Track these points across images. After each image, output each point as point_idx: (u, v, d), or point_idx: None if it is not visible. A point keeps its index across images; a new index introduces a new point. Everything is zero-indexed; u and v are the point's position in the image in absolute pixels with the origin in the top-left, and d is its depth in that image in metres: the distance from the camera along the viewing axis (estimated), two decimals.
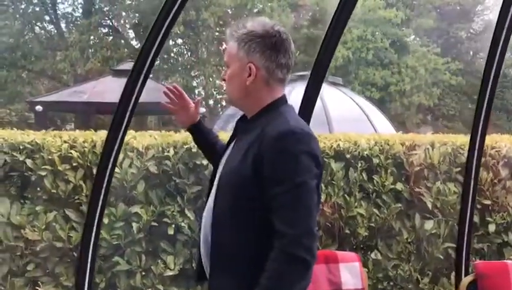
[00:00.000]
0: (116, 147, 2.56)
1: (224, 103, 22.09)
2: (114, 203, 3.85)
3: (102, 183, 2.63)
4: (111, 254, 3.87)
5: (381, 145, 4.20)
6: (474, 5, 22.34)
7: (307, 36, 18.65)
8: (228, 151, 1.74)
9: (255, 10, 19.43)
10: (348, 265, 2.84)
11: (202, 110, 13.45)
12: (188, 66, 19.69)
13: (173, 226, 3.93)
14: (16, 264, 3.73)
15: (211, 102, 20.98)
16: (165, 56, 19.61)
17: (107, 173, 2.63)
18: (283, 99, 1.73)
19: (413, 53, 20.44)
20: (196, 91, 20.82)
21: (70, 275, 3.81)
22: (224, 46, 1.83)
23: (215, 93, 21.22)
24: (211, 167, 2.83)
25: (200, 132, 2.11)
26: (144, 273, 3.90)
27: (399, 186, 4.19)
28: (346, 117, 9.01)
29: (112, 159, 2.60)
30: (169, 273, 3.91)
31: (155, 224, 3.92)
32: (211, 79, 19.25)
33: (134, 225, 3.86)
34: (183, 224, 3.96)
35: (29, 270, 3.76)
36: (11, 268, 3.72)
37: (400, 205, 4.19)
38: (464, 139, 4.38)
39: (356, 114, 9.58)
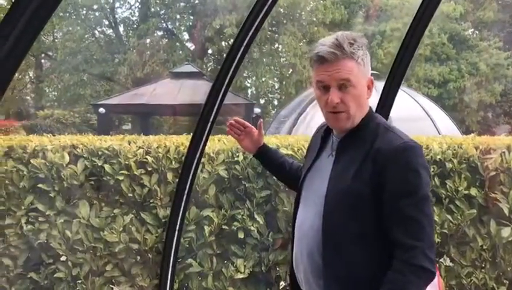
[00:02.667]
0: (198, 154, 2.63)
1: (276, 103, 22.14)
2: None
3: (184, 189, 2.71)
4: (183, 256, 3.98)
5: (454, 149, 4.07)
6: None
7: (361, 33, 18.32)
8: (324, 167, 1.70)
9: (308, 8, 19.33)
10: None
11: (257, 110, 13.54)
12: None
13: (243, 229, 4.00)
14: (96, 264, 3.91)
15: (262, 101, 21.09)
16: (218, 57, 19.91)
17: (190, 176, 2.69)
18: (371, 109, 1.72)
19: (472, 48, 19.67)
20: (249, 91, 20.99)
21: (145, 276, 3.96)
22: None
23: (267, 92, 21.31)
24: None
25: (266, 154, 2.15)
26: (215, 275, 3.98)
27: (473, 191, 4.05)
28: (406, 116, 8.78)
29: (194, 165, 2.66)
30: (240, 276, 3.98)
31: (225, 227, 4.00)
32: (263, 79, 19.35)
33: (206, 228, 3.95)
34: (252, 228, 4.01)
35: (108, 270, 3.93)
36: (91, 268, 3.90)
37: (474, 211, 4.05)
38: None
39: (417, 113, 9.33)
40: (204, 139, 2.61)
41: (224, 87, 2.50)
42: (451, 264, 4.15)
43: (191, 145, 2.65)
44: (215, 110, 2.52)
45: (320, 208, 1.63)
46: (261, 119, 2.26)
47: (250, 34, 2.38)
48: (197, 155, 2.65)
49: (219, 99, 2.49)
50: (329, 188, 1.64)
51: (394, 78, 2.90)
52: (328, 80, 1.62)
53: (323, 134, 1.78)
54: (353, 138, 1.66)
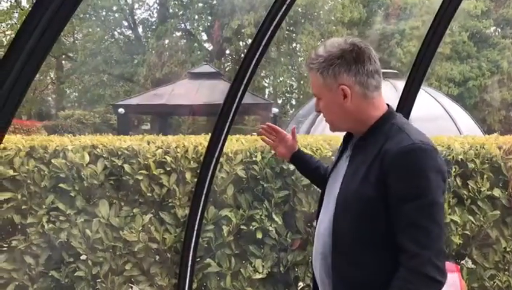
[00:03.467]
0: (216, 154, 2.63)
1: (293, 102, 22.08)
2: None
3: (203, 188, 2.71)
4: (202, 256, 3.99)
5: (477, 149, 4.00)
6: None
7: (380, 32, 18.16)
8: (341, 169, 1.69)
9: (326, 8, 19.23)
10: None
11: (275, 110, 13.50)
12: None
13: (261, 230, 3.98)
14: (116, 263, 3.94)
15: (280, 101, 21.06)
16: (236, 57, 19.94)
17: (209, 175, 2.69)
18: (390, 109, 1.68)
19: (494, 46, 19.33)
20: (267, 90, 20.97)
21: (164, 275, 3.98)
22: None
23: (285, 92, 21.26)
24: (297, 172, 2.87)
25: (301, 160, 2.15)
26: (233, 275, 3.98)
27: (496, 192, 3.97)
28: (427, 116, 8.66)
29: (212, 165, 2.66)
30: (258, 276, 3.96)
31: (244, 227, 3.99)
32: (281, 78, 19.31)
33: (224, 228, 3.95)
34: (270, 228, 3.99)
35: (127, 269, 3.96)
36: (111, 267, 3.93)
37: (497, 212, 3.97)
38: None
39: (437, 112, 9.19)
40: (222, 139, 2.60)
41: (242, 87, 2.49)
42: (473, 266, 4.07)
43: (209, 145, 2.65)
44: (233, 110, 2.52)
45: (333, 209, 1.62)
46: (295, 125, 2.26)
47: (269, 34, 2.36)
48: (216, 155, 2.64)
49: (237, 99, 2.48)
50: (341, 190, 1.62)
51: (415, 77, 2.86)
52: None
53: (346, 135, 1.78)
54: (367, 139, 1.63)
